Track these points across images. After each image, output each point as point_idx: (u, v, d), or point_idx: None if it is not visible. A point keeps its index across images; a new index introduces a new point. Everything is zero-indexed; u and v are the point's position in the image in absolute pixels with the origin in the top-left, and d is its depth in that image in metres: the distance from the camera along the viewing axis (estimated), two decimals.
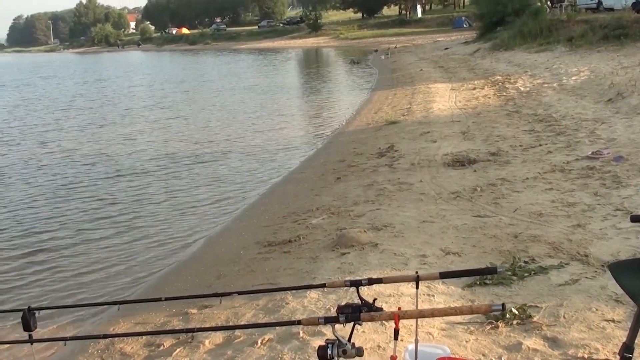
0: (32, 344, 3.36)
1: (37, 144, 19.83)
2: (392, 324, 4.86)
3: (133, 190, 13.22)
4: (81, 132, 22.05)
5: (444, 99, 20.11)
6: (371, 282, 3.22)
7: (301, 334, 5.11)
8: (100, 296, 8.04)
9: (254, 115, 24.11)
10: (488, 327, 4.89)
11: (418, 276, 3.20)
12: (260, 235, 9.03)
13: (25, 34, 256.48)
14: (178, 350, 5.50)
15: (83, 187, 13.72)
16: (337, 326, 2.81)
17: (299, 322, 3.02)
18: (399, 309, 2.85)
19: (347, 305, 2.85)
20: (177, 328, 5.99)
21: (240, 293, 4.65)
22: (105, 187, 13.66)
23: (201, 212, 11.46)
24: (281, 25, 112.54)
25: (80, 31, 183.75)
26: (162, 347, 5.68)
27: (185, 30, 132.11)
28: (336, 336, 2.74)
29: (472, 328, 4.92)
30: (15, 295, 8.21)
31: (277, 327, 5.27)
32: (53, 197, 13.06)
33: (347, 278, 4.13)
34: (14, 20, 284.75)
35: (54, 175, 15.16)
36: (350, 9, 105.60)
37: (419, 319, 3.28)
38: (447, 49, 43.03)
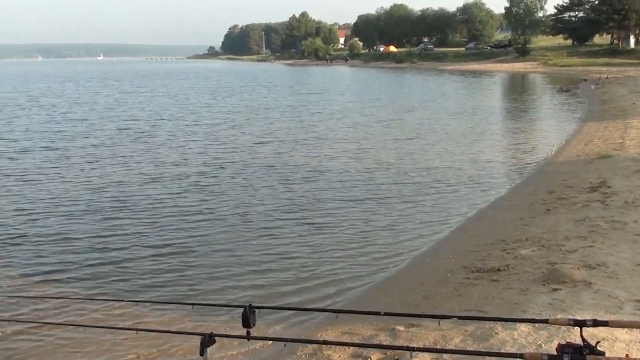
0: (249, 340, 3.58)
1: (261, 155, 20.90)
2: None
3: (344, 207, 13.62)
4: (302, 144, 22.98)
5: None
6: (596, 324, 3.07)
7: None
8: (304, 300, 8.47)
9: (463, 137, 24.16)
10: None
11: None
12: (467, 260, 9.09)
13: (238, 42, 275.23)
14: None
15: (301, 201, 14.22)
16: None
17: (521, 356, 2.99)
18: (627, 355, 2.81)
19: (569, 345, 2.82)
20: (391, 344, 6.14)
21: (460, 318, 4.65)
22: (320, 202, 14.15)
23: (407, 231, 11.69)
24: (489, 48, 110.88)
25: (291, 43, 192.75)
26: None
27: (392, 48, 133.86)
28: None
29: None
30: (230, 293, 8.89)
31: (487, 357, 5.32)
32: (271, 208, 13.63)
33: (570, 317, 4.08)
34: (229, 29, 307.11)
35: (280, 185, 15.95)
36: (560, 35, 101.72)
37: None
38: None
